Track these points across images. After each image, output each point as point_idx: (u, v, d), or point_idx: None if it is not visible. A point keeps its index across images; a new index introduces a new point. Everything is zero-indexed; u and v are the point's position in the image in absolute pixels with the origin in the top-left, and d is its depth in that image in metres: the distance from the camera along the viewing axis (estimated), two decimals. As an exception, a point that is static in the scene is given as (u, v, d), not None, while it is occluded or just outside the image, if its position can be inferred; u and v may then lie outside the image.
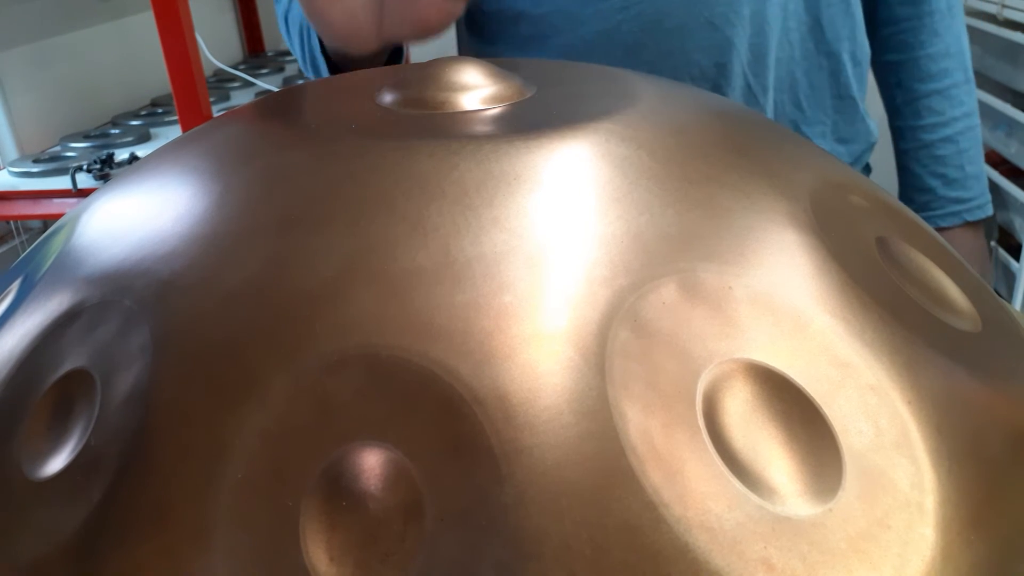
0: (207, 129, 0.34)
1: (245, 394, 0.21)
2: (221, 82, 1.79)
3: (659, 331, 0.22)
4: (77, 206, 0.32)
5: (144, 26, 1.39)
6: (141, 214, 0.28)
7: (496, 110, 0.30)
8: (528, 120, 0.29)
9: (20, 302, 0.27)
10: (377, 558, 0.19)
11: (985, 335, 0.27)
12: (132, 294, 0.24)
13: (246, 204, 0.26)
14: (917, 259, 0.28)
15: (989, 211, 0.73)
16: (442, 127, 0.29)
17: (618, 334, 0.22)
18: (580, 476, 0.20)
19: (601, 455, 0.20)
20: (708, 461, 0.20)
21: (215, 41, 1.80)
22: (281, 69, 1.95)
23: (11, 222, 1.42)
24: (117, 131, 1.50)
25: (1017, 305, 1.63)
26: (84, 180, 1.26)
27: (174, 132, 1.47)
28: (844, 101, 0.67)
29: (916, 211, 0.57)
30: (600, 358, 0.21)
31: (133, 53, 1.66)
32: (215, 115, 1.16)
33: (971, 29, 1.94)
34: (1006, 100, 1.74)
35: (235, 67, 1.81)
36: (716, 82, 0.62)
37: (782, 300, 0.23)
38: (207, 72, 1.63)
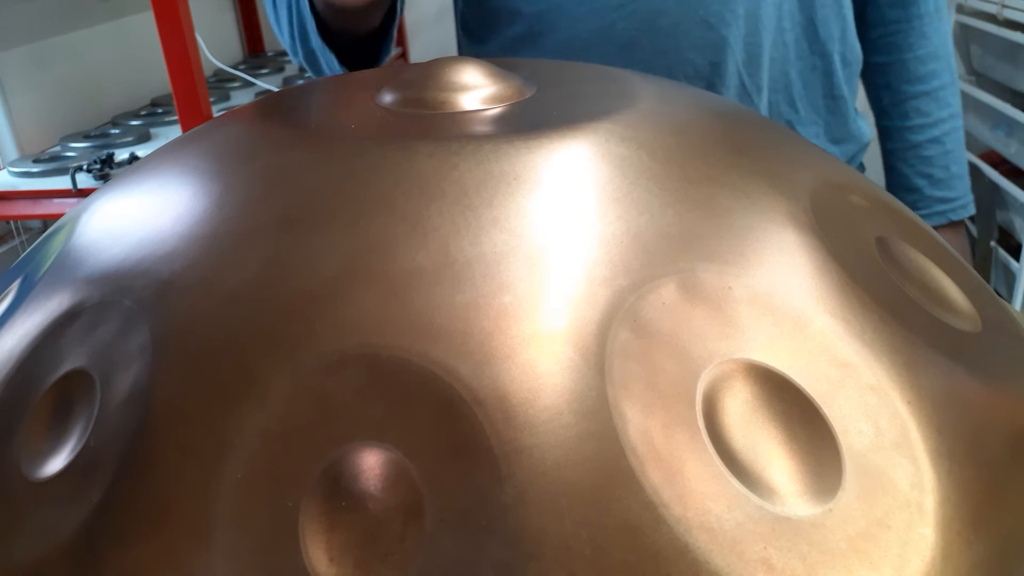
0: (207, 129, 0.34)
1: (245, 394, 0.21)
2: (221, 82, 1.78)
3: (659, 331, 0.22)
4: (77, 206, 0.32)
5: (144, 26, 1.39)
6: (141, 214, 0.28)
7: (496, 110, 0.30)
8: (528, 120, 0.29)
9: (20, 302, 0.27)
10: (377, 558, 0.19)
11: (985, 335, 0.27)
12: (132, 294, 0.24)
13: (246, 204, 0.26)
14: (917, 259, 0.28)
15: (972, 210, 0.75)
16: (442, 127, 0.29)
17: (618, 334, 0.22)
18: (580, 476, 0.20)
19: (601, 455, 0.20)
20: (708, 461, 0.20)
21: (215, 41, 1.80)
22: (281, 69, 1.94)
23: (11, 222, 1.42)
24: (117, 131, 1.50)
25: (1017, 305, 1.63)
26: (84, 180, 1.26)
27: (174, 132, 1.47)
28: (837, 101, 0.68)
29: None
30: (600, 358, 0.21)
31: (133, 53, 1.66)
32: (215, 115, 1.16)
33: (971, 29, 1.95)
34: (1006, 100, 1.74)
35: (235, 67, 1.80)
36: (711, 81, 0.62)
37: (782, 300, 0.23)
38: (207, 72, 1.63)
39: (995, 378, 0.25)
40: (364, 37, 0.62)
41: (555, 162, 0.26)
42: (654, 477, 0.20)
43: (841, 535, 0.20)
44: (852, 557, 0.20)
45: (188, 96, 1.16)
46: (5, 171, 1.34)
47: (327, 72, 0.64)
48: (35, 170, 1.30)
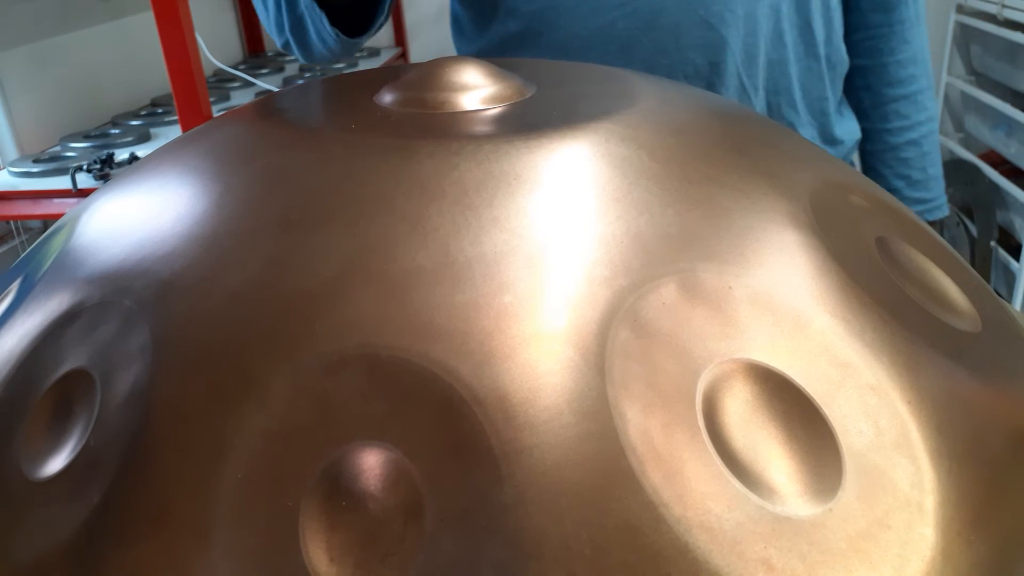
0: (207, 129, 0.34)
1: (245, 394, 0.21)
2: (221, 82, 1.78)
3: (659, 331, 0.22)
4: (77, 206, 0.32)
5: (144, 26, 1.39)
6: (141, 214, 0.28)
7: (496, 110, 0.30)
8: (528, 120, 0.29)
9: (20, 302, 0.27)
10: (377, 558, 0.19)
11: (985, 335, 0.27)
12: (132, 294, 0.24)
13: (246, 204, 0.26)
14: (917, 259, 0.28)
15: (946, 211, 0.77)
16: (442, 127, 0.29)
17: (618, 334, 0.22)
18: (580, 476, 0.20)
19: (601, 455, 0.20)
20: (708, 461, 0.20)
21: (215, 41, 1.80)
22: (281, 69, 1.95)
23: (11, 222, 1.42)
24: (117, 131, 1.50)
25: (1017, 305, 1.63)
26: (84, 180, 1.26)
27: (174, 132, 1.47)
28: (830, 103, 0.69)
29: None
30: (600, 358, 0.21)
31: (133, 53, 1.66)
32: (215, 115, 1.16)
33: (971, 29, 1.95)
34: (1006, 100, 1.75)
35: (235, 67, 1.81)
36: (710, 81, 0.62)
37: (782, 300, 0.23)
38: (207, 72, 1.63)
39: (995, 378, 0.25)
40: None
41: (555, 162, 0.26)
42: (654, 477, 0.20)
43: (841, 535, 0.20)
44: (852, 557, 0.20)
45: (188, 96, 1.16)
46: (5, 171, 1.34)
47: (316, 43, 0.61)
48: (35, 170, 1.31)
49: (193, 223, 0.26)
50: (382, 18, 0.63)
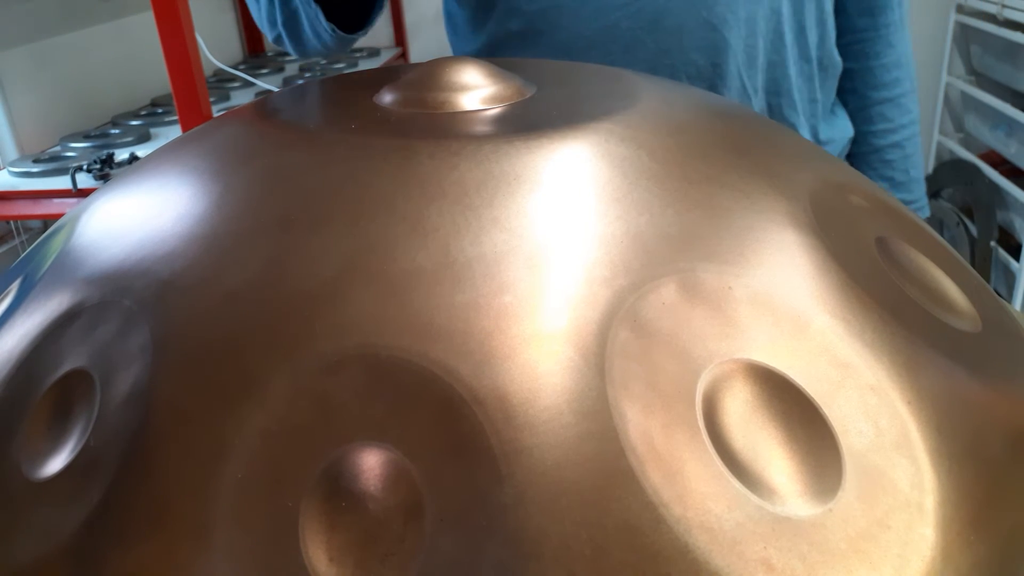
0: (207, 129, 0.34)
1: (245, 394, 0.21)
2: (221, 82, 1.78)
3: (659, 331, 0.22)
4: (77, 206, 0.32)
5: (144, 26, 1.39)
6: (141, 214, 0.28)
7: (496, 110, 0.30)
8: (528, 120, 0.29)
9: (20, 302, 0.27)
10: (377, 558, 0.19)
11: (985, 335, 0.27)
12: (132, 294, 0.24)
13: (246, 204, 0.26)
14: (917, 259, 0.28)
15: (927, 213, 0.79)
16: (442, 127, 0.29)
17: (618, 334, 0.22)
18: (580, 476, 0.20)
19: (601, 455, 0.20)
20: (708, 461, 0.20)
21: (215, 41, 1.80)
22: (281, 69, 1.95)
23: (11, 222, 1.42)
24: (117, 131, 1.50)
25: (1017, 305, 1.63)
26: (84, 180, 1.26)
27: (174, 132, 1.47)
28: (819, 105, 0.70)
29: None
30: (600, 358, 0.21)
31: (133, 53, 1.66)
32: (215, 115, 1.16)
33: (971, 29, 1.95)
34: (1006, 100, 1.75)
35: (235, 67, 1.81)
36: (712, 82, 0.62)
37: (782, 300, 0.23)
38: (207, 72, 1.63)
39: (995, 378, 0.25)
40: None
41: (555, 162, 0.26)
42: (654, 477, 0.20)
43: (841, 535, 0.20)
44: (852, 557, 0.20)
45: (188, 96, 1.16)
46: (5, 171, 1.34)
47: (310, 38, 0.60)
48: (35, 170, 1.31)
49: (193, 223, 0.26)
50: (379, 12, 0.63)
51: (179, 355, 0.23)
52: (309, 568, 0.19)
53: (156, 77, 1.53)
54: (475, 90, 0.31)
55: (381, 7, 0.62)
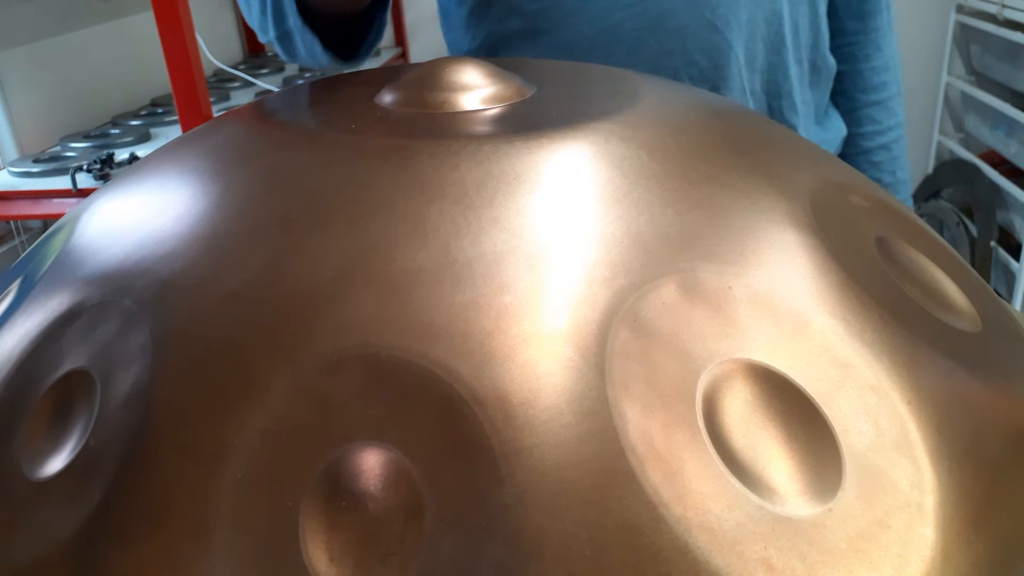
0: (207, 129, 0.34)
1: (245, 394, 0.21)
2: (221, 82, 1.78)
3: (659, 331, 0.22)
4: (77, 206, 0.32)
5: (144, 26, 1.39)
6: (141, 214, 0.28)
7: (496, 110, 0.30)
8: (528, 120, 0.29)
9: (20, 302, 0.27)
10: (377, 558, 0.19)
11: (985, 335, 0.27)
12: (132, 294, 0.24)
13: (246, 204, 0.26)
14: (917, 259, 0.28)
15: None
16: (442, 127, 0.29)
17: (618, 334, 0.22)
18: (580, 476, 0.20)
19: (601, 455, 0.20)
20: (708, 461, 0.20)
21: (215, 41, 1.80)
22: (281, 69, 1.94)
23: (11, 222, 1.42)
24: (117, 131, 1.50)
25: (1017, 305, 1.63)
26: (84, 180, 1.26)
27: (174, 132, 1.47)
28: (811, 107, 0.71)
29: None
30: (600, 358, 0.21)
31: (133, 53, 1.66)
32: (215, 115, 1.16)
33: (971, 29, 1.95)
34: (1006, 100, 1.75)
35: (235, 67, 1.81)
36: (715, 83, 0.62)
37: (782, 300, 0.23)
38: (207, 72, 1.63)
39: (995, 378, 0.25)
40: (349, 19, 0.58)
41: (555, 162, 0.26)
42: (654, 477, 0.20)
43: (841, 535, 0.20)
44: (852, 557, 0.20)
45: (188, 96, 1.16)
46: (5, 171, 1.34)
47: (304, 55, 0.59)
48: (35, 170, 1.31)
49: (193, 223, 0.26)
50: (377, 39, 0.62)
51: (179, 355, 0.23)
52: (309, 568, 0.19)
53: (156, 77, 1.53)
54: (475, 90, 0.31)
55: (379, 35, 0.61)
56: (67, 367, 0.24)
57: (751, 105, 0.64)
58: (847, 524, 0.20)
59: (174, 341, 0.23)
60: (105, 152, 1.32)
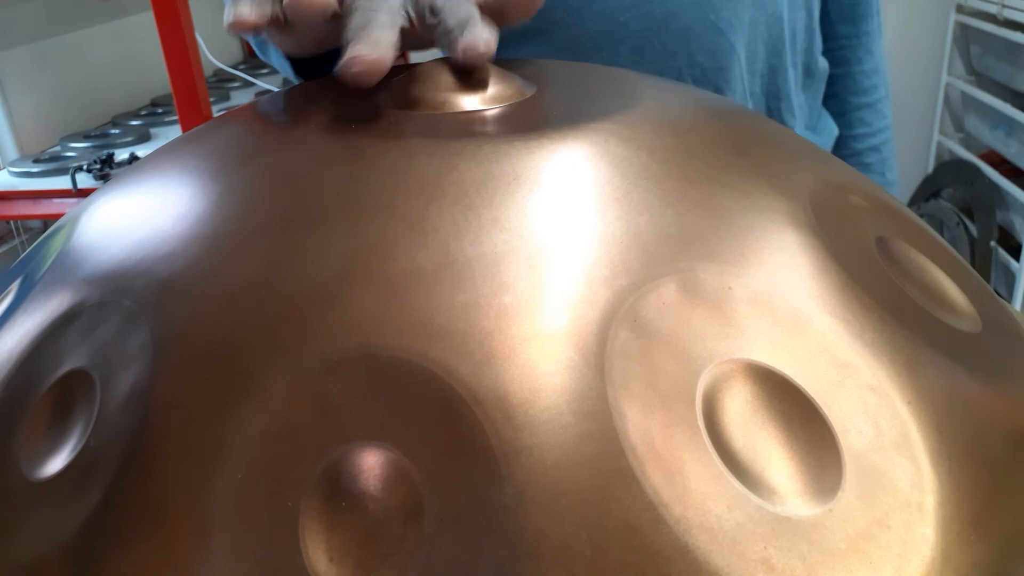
0: (207, 129, 0.34)
1: (245, 394, 0.21)
2: (221, 82, 1.79)
3: (659, 331, 0.22)
4: (77, 206, 0.32)
5: (144, 26, 1.39)
6: (141, 214, 0.28)
7: (496, 110, 0.30)
8: (528, 120, 0.29)
9: (20, 302, 0.27)
10: (377, 558, 0.19)
11: (985, 335, 0.27)
12: (132, 294, 0.24)
13: (246, 204, 0.26)
14: (917, 259, 0.28)
15: None
16: (442, 127, 0.29)
17: (618, 334, 0.22)
18: (580, 476, 0.20)
19: (601, 455, 0.20)
20: (708, 461, 0.20)
21: (215, 41, 1.80)
22: (281, 69, 1.94)
23: (11, 222, 1.42)
24: (117, 131, 1.50)
25: (1017, 305, 1.63)
26: (84, 180, 1.26)
27: (174, 132, 1.47)
28: (812, 110, 0.72)
29: None
30: (600, 358, 0.21)
31: (133, 53, 1.66)
32: (215, 115, 1.16)
33: (971, 29, 1.95)
34: (1006, 100, 1.75)
35: (235, 67, 1.81)
36: (717, 85, 0.62)
37: (782, 300, 0.23)
38: (207, 72, 1.63)
39: (995, 378, 0.25)
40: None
41: (555, 162, 0.26)
42: (654, 477, 0.20)
43: (841, 535, 0.20)
44: (852, 557, 0.20)
45: (188, 96, 1.16)
46: (5, 171, 1.34)
47: (276, 66, 0.60)
48: (35, 170, 1.31)
49: (193, 223, 0.26)
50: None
51: (179, 355, 0.23)
52: (309, 568, 0.19)
53: (156, 77, 1.53)
54: (475, 90, 0.31)
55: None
56: (67, 367, 0.24)
57: (751, 107, 0.65)
58: (847, 524, 0.20)
59: (174, 341, 0.23)
60: (105, 152, 1.32)
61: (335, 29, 0.34)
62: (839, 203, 0.29)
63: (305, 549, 0.19)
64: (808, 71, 0.70)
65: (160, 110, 1.62)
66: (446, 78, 0.31)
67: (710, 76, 0.62)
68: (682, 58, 0.61)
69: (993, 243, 1.78)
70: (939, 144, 2.05)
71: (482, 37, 0.31)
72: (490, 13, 0.33)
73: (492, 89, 0.31)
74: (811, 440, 0.21)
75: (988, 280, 1.78)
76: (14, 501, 0.22)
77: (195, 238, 0.25)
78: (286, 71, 0.58)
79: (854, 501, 0.21)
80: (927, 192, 2.01)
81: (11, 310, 0.27)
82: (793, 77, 0.67)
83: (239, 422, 0.21)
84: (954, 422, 0.23)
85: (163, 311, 0.24)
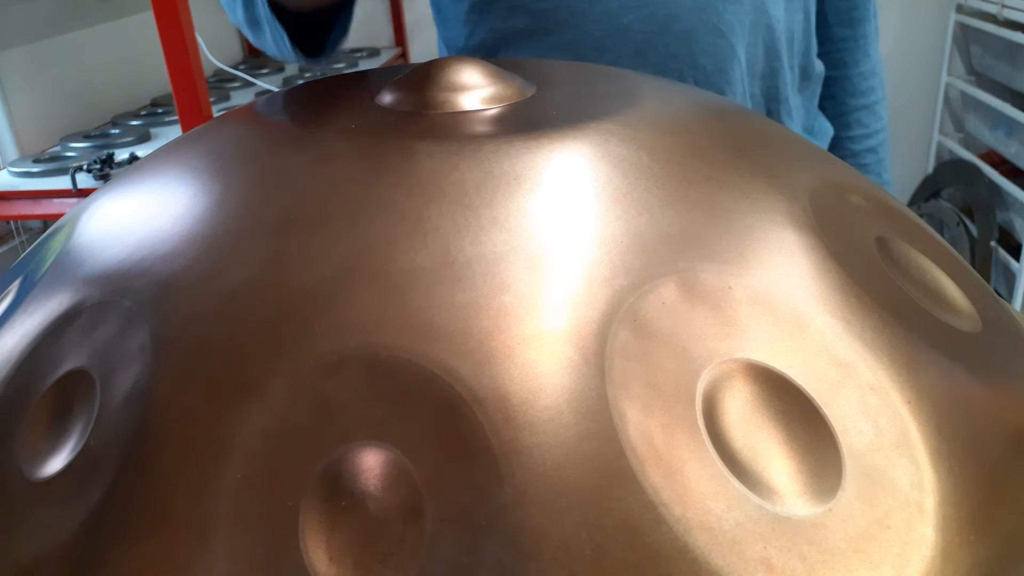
0: (207, 129, 0.34)
1: (245, 394, 0.21)
2: (221, 82, 1.78)
3: (659, 331, 0.22)
4: (77, 206, 0.32)
5: (144, 26, 1.39)
6: (141, 214, 0.28)
7: (496, 110, 0.30)
8: (528, 120, 0.29)
9: (20, 302, 0.27)
10: (377, 559, 0.19)
11: (985, 335, 0.27)
12: (132, 294, 0.24)
13: (246, 204, 0.26)
14: (917, 259, 0.28)
15: None
16: (442, 127, 0.29)
17: (618, 334, 0.22)
18: (580, 476, 0.20)
19: (601, 455, 0.20)
20: (708, 461, 0.20)
21: (215, 41, 1.80)
22: (281, 69, 1.95)
23: (11, 222, 1.42)
24: (117, 131, 1.50)
25: (1017, 305, 1.63)
26: (84, 180, 1.26)
27: (174, 132, 1.47)
28: (809, 112, 0.72)
29: None
30: (600, 358, 0.21)
31: (133, 53, 1.66)
32: (215, 115, 1.16)
33: (971, 29, 1.95)
34: (1006, 100, 1.75)
35: (235, 67, 1.81)
36: (719, 87, 0.62)
37: (782, 300, 0.23)
38: (207, 72, 1.63)
39: (995, 378, 0.25)
40: (317, 15, 0.57)
41: (555, 162, 0.26)
42: (654, 477, 0.20)
43: (841, 535, 0.20)
44: (852, 557, 0.20)
45: (188, 96, 1.16)
46: (5, 171, 1.34)
47: (271, 46, 0.59)
48: (35, 170, 1.31)
49: (193, 223, 0.26)
50: (341, 37, 0.61)
51: (179, 355, 0.23)
52: (309, 568, 0.19)
53: (156, 77, 1.53)
54: (475, 90, 0.31)
55: (344, 32, 0.60)
56: (67, 367, 0.24)
57: (752, 109, 0.65)
58: (847, 524, 0.20)
59: (174, 341, 0.23)
60: (105, 152, 1.32)
61: None
62: (839, 203, 0.29)
63: (305, 549, 0.19)
64: (805, 73, 0.70)
65: (160, 110, 1.62)
66: (446, 78, 0.31)
67: (712, 78, 0.62)
68: (684, 60, 0.61)
69: (993, 243, 1.78)
70: (939, 144, 2.05)
71: None
72: None
73: (492, 89, 0.31)
74: (811, 440, 0.21)
75: (988, 280, 1.78)
76: (14, 501, 0.22)
77: (195, 238, 0.25)
78: (282, 45, 0.57)
79: (854, 501, 0.21)
80: (927, 192, 2.01)
81: (11, 310, 0.27)
82: (791, 79, 0.68)
83: (239, 422, 0.21)
84: (954, 422, 0.23)
85: (163, 311, 0.24)
